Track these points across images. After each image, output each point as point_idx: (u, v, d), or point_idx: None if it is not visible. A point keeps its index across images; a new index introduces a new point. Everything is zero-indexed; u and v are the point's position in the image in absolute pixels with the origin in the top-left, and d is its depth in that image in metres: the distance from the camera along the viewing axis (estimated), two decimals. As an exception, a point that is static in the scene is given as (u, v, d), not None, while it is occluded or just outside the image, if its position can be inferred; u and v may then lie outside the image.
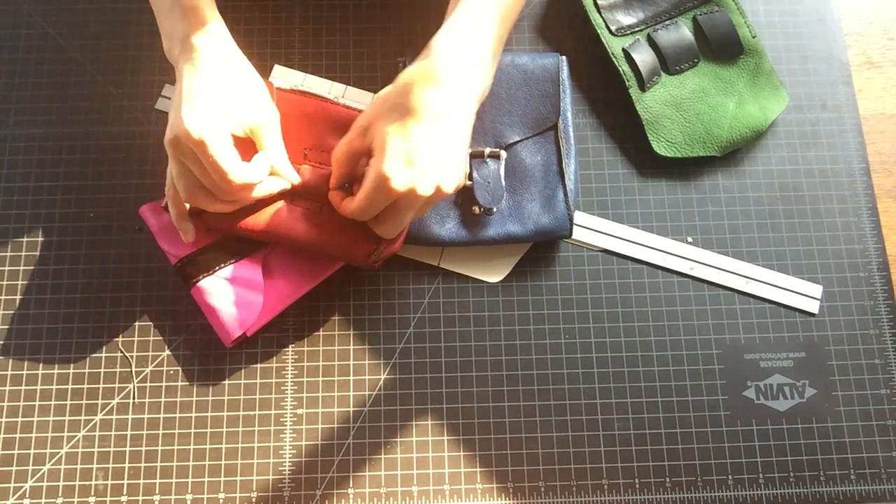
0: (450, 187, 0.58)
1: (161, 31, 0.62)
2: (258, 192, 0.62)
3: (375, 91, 0.72)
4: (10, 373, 0.65)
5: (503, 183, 0.67)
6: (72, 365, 0.65)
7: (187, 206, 0.63)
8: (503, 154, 0.68)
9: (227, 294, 0.64)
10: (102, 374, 0.65)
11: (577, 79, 0.73)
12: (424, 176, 0.57)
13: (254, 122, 0.61)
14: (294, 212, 0.64)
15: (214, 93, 0.59)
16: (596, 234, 0.70)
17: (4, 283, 0.67)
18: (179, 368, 0.65)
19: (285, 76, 0.73)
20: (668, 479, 0.64)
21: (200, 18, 0.60)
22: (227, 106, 0.60)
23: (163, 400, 0.64)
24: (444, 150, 0.58)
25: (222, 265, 0.64)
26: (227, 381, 0.65)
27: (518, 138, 0.69)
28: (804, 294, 0.68)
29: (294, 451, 0.64)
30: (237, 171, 0.59)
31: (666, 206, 0.71)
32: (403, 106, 0.57)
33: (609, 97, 0.73)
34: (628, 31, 0.72)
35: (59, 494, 0.62)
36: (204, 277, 0.64)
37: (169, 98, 0.72)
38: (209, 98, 0.59)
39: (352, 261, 0.65)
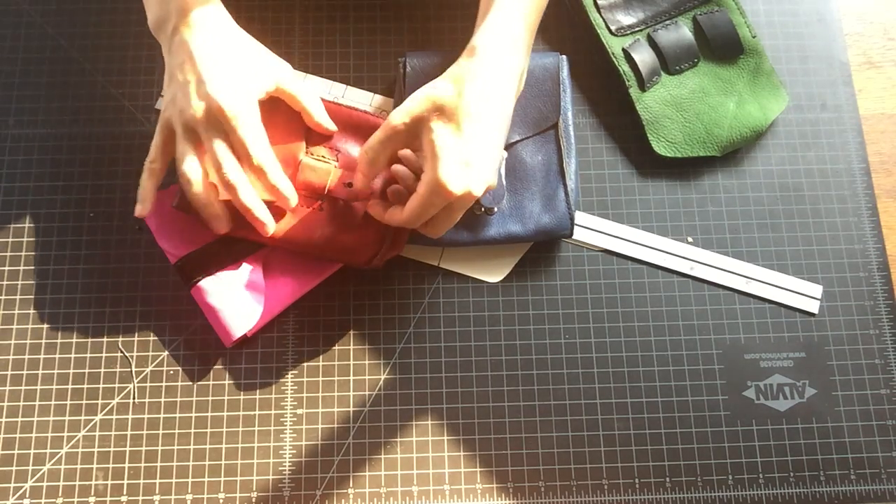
0: (494, 182, 0.58)
1: (147, 2, 0.61)
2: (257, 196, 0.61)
3: (376, 91, 0.72)
4: (10, 373, 0.65)
5: (504, 182, 0.67)
6: (72, 365, 0.65)
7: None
8: (504, 154, 0.68)
9: (227, 294, 0.64)
10: (102, 374, 0.65)
11: (577, 79, 0.73)
12: (480, 176, 0.56)
13: (275, 81, 0.61)
14: (294, 215, 0.64)
15: (231, 61, 0.59)
16: (596, 234, 0.70)
17: (4, 283, 0.67)
18: (179, 368, 0.65)
19: (285, 76, 0.72)
20: (668, 479, 0.64)
21: None
22: (246, 73, 0.59)
23: (163, 400, 0.64)
24: (492, 148, 0.58)
25: (223, 265, 0.64)
26: (227, 381, 0.65)
27: (518, 138, 0.69)
28: (804, 294, 0.68)
29: (294, 451, 0.64)
30: (263, 153, 0.59)
31: (666, 206, 0.71)
32: (452, 107, 0.57)
33: (609, 97, 0.73)
34: (628, 31, 0.72)
35: (59, 494, 0.62)
36: (204, 277, 0.64)
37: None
38: (229, 67, 0.58)
39: (354, 264, 0.65)
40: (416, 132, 0.58)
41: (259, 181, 0.60)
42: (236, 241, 0.65)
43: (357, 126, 0.66)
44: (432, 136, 0.56)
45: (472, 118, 0.56)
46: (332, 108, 0.66)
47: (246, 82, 0.59)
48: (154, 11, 0.60)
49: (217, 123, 0.58)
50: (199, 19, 0.59)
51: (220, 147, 0.58)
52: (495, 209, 0.67)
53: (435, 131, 0.56)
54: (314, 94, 0.65)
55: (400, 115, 0.58)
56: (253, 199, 0.60)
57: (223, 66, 0.58)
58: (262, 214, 0.60)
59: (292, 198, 0.61)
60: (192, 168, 0.59)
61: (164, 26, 0.60)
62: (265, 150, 0.59)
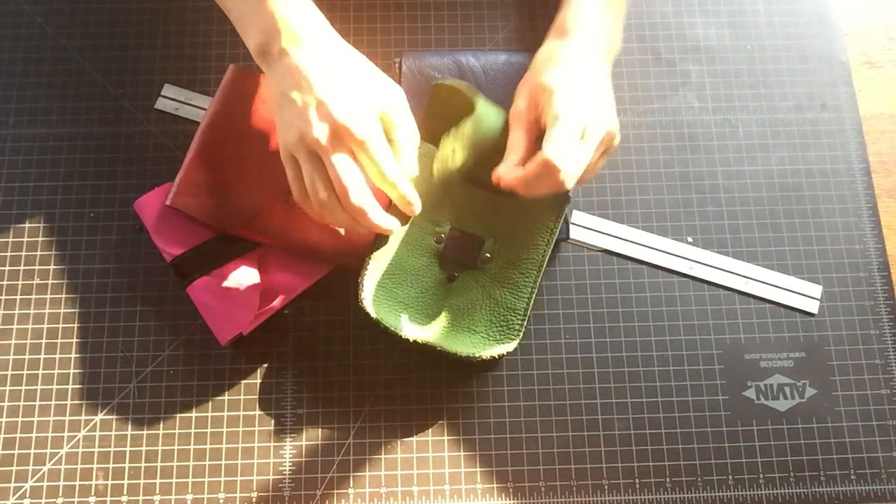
0: (614, 127, 0.60)
1: (245, 28, 0.58)
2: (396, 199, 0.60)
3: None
4: (10, 373, 0.65)
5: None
6: (72, 365, 0.65)
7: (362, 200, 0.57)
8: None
9: (222, 293, 0.64)
10: (102, 374, 0.65)
11: (577, 79, 0.73)
12: (593, 101, 0.59)
13: (388, 103, 0.59)
14: (290, 213, 0.64)
15: (347, 79, 0.57)
16: (596, 234, 0.70)
17: (5, 283, 0.67)
18: (179, 368, 0.65)
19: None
20: (668, 479, 0.64)
21: (293, 1, 0.57)
22: (362, 90, 0.57)
23: (163, 400, 0.64)
24: (595, 86, 0.60)
25: (218, 263, 0.64)
26: (227, 381, 0.65)
27: None
28: (804, 294, 0.68)
29: (294, 451, 0.64)
30: (394, 168, 0.57)
31: (666, 206, 0.71)
32: (541, 62, 0.62)
33: (609, 97, 0.73)
34: None
35: (59, 494, 0.62)
36: (199, 276, 0.64)
37: (169, 98, 0.72)
38: (346, 86, 0.56)
39: (348, 265, 0.65)
40: (532, 97, 0.60)
41: (388, 193, 0.59)
42: (232, 240, 0.65)
43: None
44: (543, 83, 0.60)
45: (572, 71, 0.60)
46: None
47: (364, 100, 0.57)
48: (255, 37, 0.57)
49: (342, 146, 0.56)
50: (307, 38, 0.57)
51: (346, 171, 0.56)
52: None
53: (544, 80, 0.60)
54: (412, 135, 0.61)
55: (516, 105, 0.62)
56: (383, 217, 0.58)
57: (340, 85, 0.56)
58: (390, 224, 0.59)
59: (417, 203, 0.60)
60: (324, 194, 0.57)
61: (269, 49, 0.57)
62: (394, 164, 0.58)
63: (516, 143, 0.60)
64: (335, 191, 0.56)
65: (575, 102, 0.58)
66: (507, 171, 0.59)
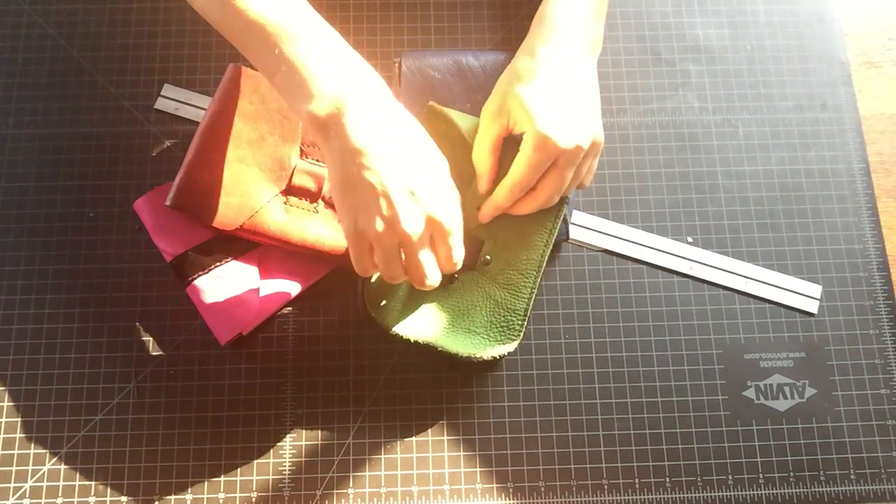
0: (600, 137, 0.60)
1: (294, 96, 0.52)
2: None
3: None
4: (10, 373, 0.65)
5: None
6: (72, 365, 0.65)
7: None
8: None
9: (222, 293, 0.64)
10: (102, 374, 0.65)
11: (577, 79, 0.73)
12: (582, 126, 0.58)
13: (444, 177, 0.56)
14: (290, 213, 0.64)
15: (417, 161, 0.53)
16: (596, 234, 0.70)
17: (5, 283, 0.67)
18: (179, 368, 0.65)
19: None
20: (668, 479, 0.64)
21: (337, 59, 0.52)
22: (437, 174, 0.54)
23: (163, 400, 0.64)
24: (586, 100, 0.60)
25: (218, 264, 0.64)
26: (227, 381, 0.65)
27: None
28: (804, 294, 0.68)
29: (294, 451, 0.64)
30: (462, 254, 0.56)
31: (666, 206, 0.71)
32: (530, 71, 0.59)
33: (608, 97, 0.73)
34: None
35: (59, 494, 0.62)
36: (199, 276, 0.64)
37: (168, 98, 0.72)
38: (423, 171, 0.52)
39: (348, 264, 0.64)
40: (507, 109, 0.60)
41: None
42: (232, 240, 0.65)
43: None
44: (521, 100, 0.58)
45: (553, 75, 0.59)
46: None
47: (442, 185, 0.54)
48: (311, 106, 0.51)
49: (426, 237, 0.53)
50: (368, 111, 0.51)
51: (429, 264, 0.54)
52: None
53: (521, 95, 0.58)
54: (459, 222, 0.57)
55: (486, 107, 0.62)
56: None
57: (416, 169, 0.52)
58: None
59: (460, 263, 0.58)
60: (403, 277, 0.55)
61: (327, 122, 0.51)
62: (463, 249, 0.57)
63: (481, 159, 0.62)
64: (409, 273, 0.54)
65: (551, 125, 0.57)
66: (486, 213, 0.62)
